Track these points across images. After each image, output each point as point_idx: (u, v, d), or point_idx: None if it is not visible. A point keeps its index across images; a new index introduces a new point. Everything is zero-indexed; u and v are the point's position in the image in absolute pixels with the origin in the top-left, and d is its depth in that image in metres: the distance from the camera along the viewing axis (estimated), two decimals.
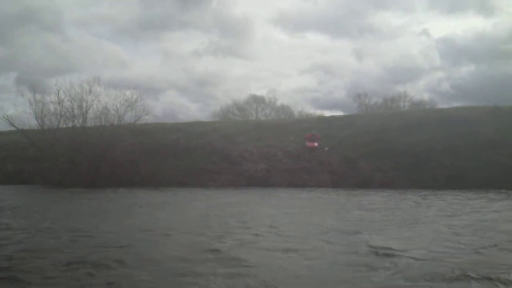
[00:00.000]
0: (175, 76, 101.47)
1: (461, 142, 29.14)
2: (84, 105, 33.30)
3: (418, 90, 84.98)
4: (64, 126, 33.38)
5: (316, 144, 32.47)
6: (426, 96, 69.05)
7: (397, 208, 16.29)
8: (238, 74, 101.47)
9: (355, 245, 9.00)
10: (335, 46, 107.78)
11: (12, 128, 34.24)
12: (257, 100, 64.84)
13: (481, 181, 26.01)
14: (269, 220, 12.78)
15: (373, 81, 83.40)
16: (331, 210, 16.25)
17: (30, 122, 33.51)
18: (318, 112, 65.46)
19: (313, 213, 14.93)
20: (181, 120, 48.11)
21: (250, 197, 22.74)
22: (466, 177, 26.75)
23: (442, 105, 54.77)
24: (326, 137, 32.99)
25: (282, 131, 36.09)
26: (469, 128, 29.95)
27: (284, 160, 32.04)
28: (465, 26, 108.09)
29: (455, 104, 69.97)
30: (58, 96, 33.27)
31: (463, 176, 26.88)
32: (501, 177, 26.07)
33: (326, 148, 32.07)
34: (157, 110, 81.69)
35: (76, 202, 20.69)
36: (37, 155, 32.63)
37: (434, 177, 27.35)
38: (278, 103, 64.31)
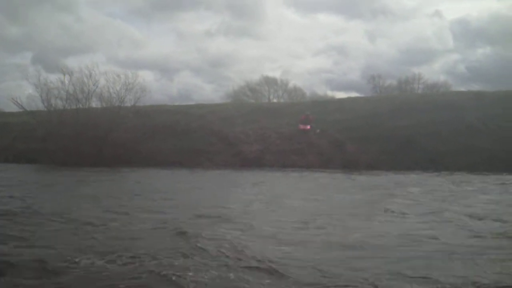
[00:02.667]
0: (189, 56, 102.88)
1: (445, 127, 30.37)
2: (85, 88, 35.01)
3: (434, 72, 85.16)
4: (69, 108, 35.07)
5: (308, 126, 33.82)
6: (442, 78, 69.68)
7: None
8: (251, 55, 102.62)
9: None
10: (348, 27, 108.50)
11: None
12: (269, 81, 65.14)
13: (460, 164, 27.34)
14: None
15: (388, 62, 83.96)
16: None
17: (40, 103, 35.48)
18: (332, 93, 66.37)
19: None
20: (196, 101, 49.63)
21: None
22: (447, 161, 28.14)
23: (458, 87, 55.80)
24: (320, 120, 34.28)
25: (278, 114, 37.56)
26: (453, 113, 31.19)
27: (277, 142, 33.49)
28: (480, 7, 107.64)
29: (472, 86, 70.65)
30: (64, 79, 35.11)
31: (443, 160, 28.29)
32: (480, 161, 27.55)
33: (318, 131, 33.43)
34: (172, 90, 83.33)
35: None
36: (45, 136, 34.47)
37: (416, 160, 28.72)
38: (291, 84, 64.75)
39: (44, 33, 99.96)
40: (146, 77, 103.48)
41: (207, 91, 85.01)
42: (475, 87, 72.56)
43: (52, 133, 33.85)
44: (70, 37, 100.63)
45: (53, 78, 36.43)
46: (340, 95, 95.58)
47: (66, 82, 34.96)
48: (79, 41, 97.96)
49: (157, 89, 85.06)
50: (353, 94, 66.22)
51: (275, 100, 60.21)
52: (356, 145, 30.95)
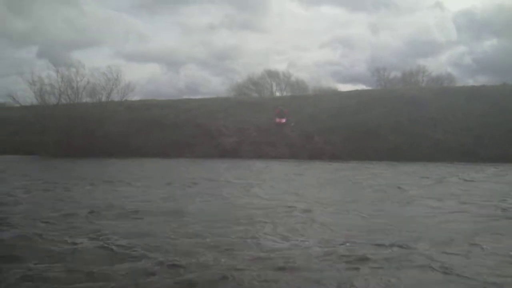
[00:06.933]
0: (195, 49, 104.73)
1: (406, 119, 32.60)
2: (73, 84, 37.79)
3: (441, 64, 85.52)
4: (61, 103, 37.79)
5: (284, 120, 36.21)
6: (448, 70, 70.03)
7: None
8: (257, 47, 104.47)
9: None
10: (352, 20, 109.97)
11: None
12: (271, 75, 66.20)
13: (416, 154, 29.56)
14: None
15: (394, 54, 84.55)
16: None
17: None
18: (337, 86, 67.37)
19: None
20: (204, 94, 50.63)
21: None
22: (404, 151, 30.33)
23: (464, 79, 56.69)
24: (296, 114, 36.68)
25: (260, 108, 39.82)
26: (415, 107, 33.40)
27: (254, 134, 35.94)
28: None
29: (479, 78, 71.73)
30: (57, 76, 37.88)
31: (401, 150, 30.47)
32: (434, 151, 29.72)
33: (293, 124, 35.78)
34: (180, 83, 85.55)
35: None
36: (40, 130, 37.16)
37: (376, 150, 30.94)
38: (293, 77, 66.27)
39: (49, 27, 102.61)
40: (153, 70, 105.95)
41: (215, 84, 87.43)
42: (482, 79, 74.07)
43: (46, 127, 36.45)
44: (75, 31, 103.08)
45: (53, 73, 38.17)
46: (347, 87, 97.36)
47: (59, 79, 37.60)
48: (84, 35, 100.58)
49: (164, 82, 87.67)
50: (360, 87, 67.86)
51: (278, 94, 61.73)
52: (323, 137, 33.29)
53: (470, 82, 60.28)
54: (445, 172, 21.35)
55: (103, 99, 38.39)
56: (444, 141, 30.46)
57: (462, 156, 28.60)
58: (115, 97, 38.99)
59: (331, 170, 23.58)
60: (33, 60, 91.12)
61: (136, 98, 44.60)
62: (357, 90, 43.51)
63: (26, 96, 38.31)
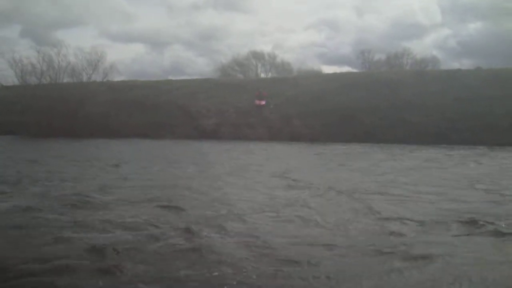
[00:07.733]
0: (180, 30, 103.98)
1: (383, 102, 33.24)
2: (55, 65, 37.95)
3: (425, 47, 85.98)
4: (43, 83, 37.91)
5: (263, 102, 36.71)
6: (434, 53, 70.72)
7: None
8: (242, 28, 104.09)
9: None
10: (338, 2, 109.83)
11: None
12: (256, 56, 66.03)
13: (392, 137, 30.27)
14: None
15: (379, 37, 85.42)
16: None
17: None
18: (322, 68, 67.16)
19: None
20: (189, 75, 50.92)
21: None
22: (380, 133, 31.05)
23: (449, 62, 57.05)
24: (277, 96, 37.14)
25: (240, 90, 40.25)
26: (392, 90, 34.09)
27: (233, 116, 36.42)
28: None
29: (464, 61, 72.19)
30: (38, 56, 37.94)
31: (377, 132, 31.19)
32: (411, 134, 30.46)
33: (272, 106, 36.29)
34: (165, 64, 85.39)
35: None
36: (21, 110, 37.22)
37: (354, 132, 31.61)
38: (278, 59, 66.14)
39: (33, 6, 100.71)
40: (138, 50, 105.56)
41: (200, 65, 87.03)
42: (467, 62, 74.82)
43: (27, 107, 36.52)
44: (60, 10, 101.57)
45: (34, 53, 38.39)
46: (333, 69, 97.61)
47: (40, 59, 37.65)
48: (69, 14, 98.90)
49: (149, 62, 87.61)
50: (346, 69, 68.03)
51: (263, 75, 61.85)
52: (302, 119, 33.85)
53: (455, 65, 61.07)
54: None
55: (85, 79, 38.46)
56: (420, 124, 31.14)
57: (436, 139, 29.32)
58: (97, 77, 39.12)
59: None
60: (16, 40, 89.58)
61: (120, 78, 45.21)
62: (338, 73, 44.07)
63: (7, 76, 38.44)
